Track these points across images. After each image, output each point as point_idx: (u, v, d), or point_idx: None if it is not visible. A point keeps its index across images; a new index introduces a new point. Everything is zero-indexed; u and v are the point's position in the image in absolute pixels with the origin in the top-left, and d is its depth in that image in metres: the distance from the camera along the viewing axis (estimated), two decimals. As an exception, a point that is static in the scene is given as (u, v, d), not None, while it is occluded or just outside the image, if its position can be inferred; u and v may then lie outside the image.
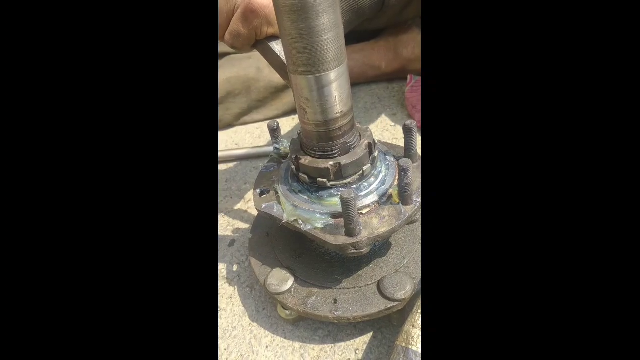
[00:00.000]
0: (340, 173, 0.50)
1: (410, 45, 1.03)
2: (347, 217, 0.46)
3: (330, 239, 0.48)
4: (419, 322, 0.51)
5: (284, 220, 0.51)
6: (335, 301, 0.54)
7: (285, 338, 0.60)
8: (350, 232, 0.48)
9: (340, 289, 0.55)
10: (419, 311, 0.52)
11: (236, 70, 1.01)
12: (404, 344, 0.50)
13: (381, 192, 0.52)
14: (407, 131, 0.55)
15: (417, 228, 0.61)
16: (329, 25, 0.41)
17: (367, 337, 0.58)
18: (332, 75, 0.44)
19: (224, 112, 1.03)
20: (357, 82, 1.07)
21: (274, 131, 0.61)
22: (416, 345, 0.49)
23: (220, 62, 1.03)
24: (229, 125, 1.06)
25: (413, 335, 0.50)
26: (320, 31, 0.41)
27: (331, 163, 0.49)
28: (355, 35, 1.06)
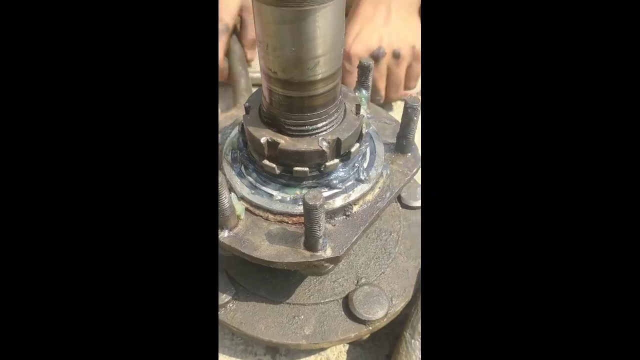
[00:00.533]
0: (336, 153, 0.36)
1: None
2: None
3: (288, 256, 0.35)
4: None
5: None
6: (291, 321, 0.42)
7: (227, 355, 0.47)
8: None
9: (296, 304, 0.43)
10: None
11: None
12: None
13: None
14: (409, 112, 0.41)
15: (377, 233, 0.49)
16: None
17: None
18: (320, 15, 0.28)
19: None
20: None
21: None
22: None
23: None
24: None
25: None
26: None
27: (322, 146, 0.34)
28: None
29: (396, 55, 0.66)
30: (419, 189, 0.53)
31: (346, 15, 0.75)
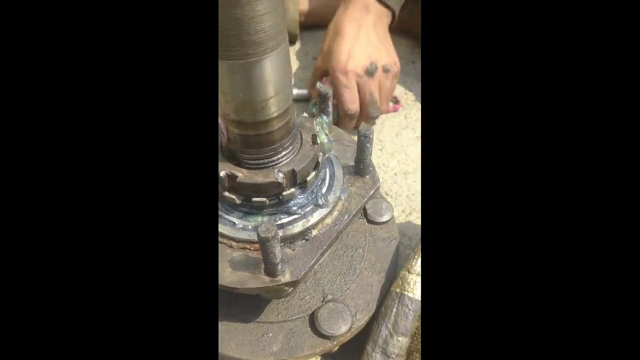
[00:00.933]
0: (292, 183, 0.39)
1: None
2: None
3: (248, 282, 0.37)
4: (415, 267, 0.47)
5: None
6: (260, 340, 0.44)
7: None
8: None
9: (265, 322, 0.45)
10: (415, 256, 0.47)
11: None
12: (398, 290, 0.46)
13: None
14: (362, 139, 0.44)
15: (343, 250, 0.52)
16: (271, 3, 0.27)
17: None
18: (267, 64, 0.31)
19: None
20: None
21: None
22: (412, 292, 0.45)
23: None
24: None
25: (409, 281, 0.46)
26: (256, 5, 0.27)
27: (278, 177, 0.37)
28: None
29: (386, 70, 0.73)
30: (384, 204, 0.56)
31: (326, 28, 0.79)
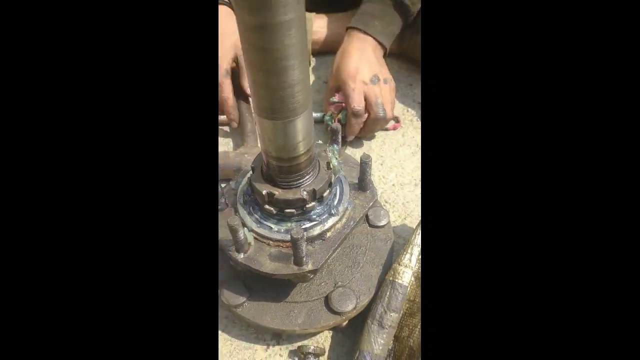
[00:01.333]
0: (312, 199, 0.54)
1: None
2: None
3: (282, 270, 0.52)
4: (404, 261, 0.59)
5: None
6: (288, 315, 0.59)
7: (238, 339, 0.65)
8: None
9: (292, 302, 0.60)
10: (404, 252, 0.60)
11: None
12: (391, 278, 0.59)
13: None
14: (363, 164, 0.58)
15: (350, 248, 0.66)
16: (298, 78, 0.42)
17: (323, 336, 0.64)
18: (298, 122, 0.46)
19: None
20: (330, 50, 1.10)
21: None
22: (401, 279, 0.59)
23: None
24: None
25: (399, 271, 0.60)
26: (290, 84, 0.42)
27: (304, 194, 0.52)
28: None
29: (385, 82, 0.88)
30: (382, 212, 0.70)
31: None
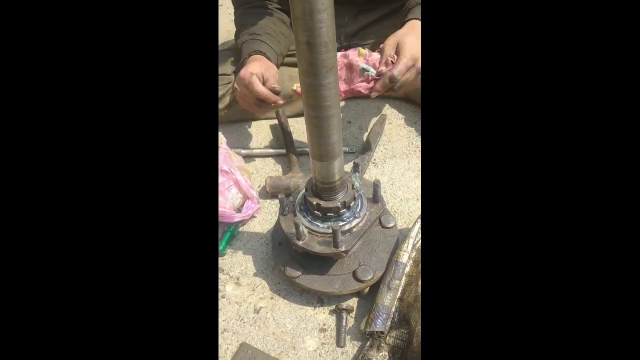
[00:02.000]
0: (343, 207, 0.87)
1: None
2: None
3: (326, 250, 0.86)
4: (403, 247, 0.85)
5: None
6: (329, 282, 0.92)
7: (297, 304, 0.98)
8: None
9: (331, 275, 0.93)
10: (404, 244, 0.87)
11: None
12: (395, 259, 0.87)
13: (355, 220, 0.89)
14: (375, 186, 0.92)
15: (369, 241, 0.97)
16: (337, 139, 0.76)
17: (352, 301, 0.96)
18: (335, 162, 0.80)
19: (236, 111, 1.27)
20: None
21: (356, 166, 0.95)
22: (402, 260, 0.87)
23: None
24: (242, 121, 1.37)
25: (401, 255, 0.88)
26: (331, 143, 0.76)
27: (338, 204, 0.86)
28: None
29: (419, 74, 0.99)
30: (390, 217, 1.02)
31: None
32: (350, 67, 1.01)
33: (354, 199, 0.89)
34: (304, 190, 0.91)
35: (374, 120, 1.42)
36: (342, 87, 1.02)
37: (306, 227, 0.89)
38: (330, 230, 0.84)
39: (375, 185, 0.91)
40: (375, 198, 0.94)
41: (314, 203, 0.86)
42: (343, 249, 0.85)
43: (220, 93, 1.24)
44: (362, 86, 0.99)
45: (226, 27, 1.83)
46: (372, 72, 0.95)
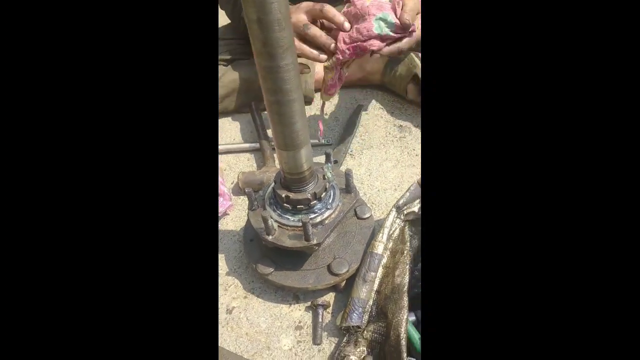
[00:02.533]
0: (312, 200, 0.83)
1: (371, 63, 1.34)
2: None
3: (297, 244, 0.82)
4: (377, 238, 0.81)
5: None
6: (303, 278, 0.88)
7: (271, 302, 0.94)
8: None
9: (304, 269, 0.89)
10: (380, 233, 0.83)
11: (244, 71, 1.30)
12: (370, 250, 0.83)
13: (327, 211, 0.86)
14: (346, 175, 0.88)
15: (344, 233, 0.94)
16: (301, 125, 0.72)
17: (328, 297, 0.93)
18: (302, 151, 0.76)
19: (229, 103, 1.31)
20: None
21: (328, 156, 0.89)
22: (376, 250, 0.83)
23: (227, 67, 1.33)
24: (233, 112, 1.37)
25: (376, 245, 0.83)
26: (295, 130, 0.72)
27: (308, 196, 0.82)
28: None
29: None
30: (366, 208, 0.99)
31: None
32: (357, 16, 0.81)
33: (325, 189, 0.85)
34: (273, 184, 0.87)
35: (350, 111, 1.38)
36: (347, 42, 0.82)
37: (276, 221, 0.85)
38: (301, 224, 0.80)
39: (347, 175, 0.87)
40: (348, 188, 0.90)
41: (283, 196, 0.82)
42: (315, 242, 0.81)
43: None
44: (375, 44, 0.80)
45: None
46: (392, 20, 0.74)
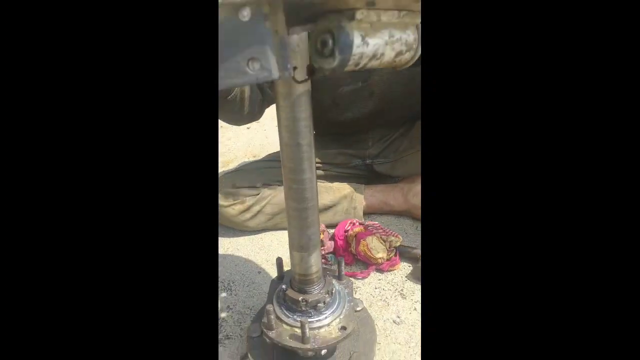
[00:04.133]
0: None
1: (418, 196, 1.41)
2: (303, 334, 0.83)
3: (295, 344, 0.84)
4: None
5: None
6: None
7: None
8: (304, 342, 0.83)
9: None
10: None
11: None
12: None
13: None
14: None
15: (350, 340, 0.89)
16: (314, 231, 0.81)
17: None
18: (313, 255, 0.83)
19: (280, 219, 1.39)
20: (375, 212, 1.47)
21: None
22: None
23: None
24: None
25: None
26: (309, 235, 0.81)
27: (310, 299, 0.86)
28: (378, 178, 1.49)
29: None
30: (358, 301, 0.97)
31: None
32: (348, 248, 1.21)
33: (331, 294, 0.90)
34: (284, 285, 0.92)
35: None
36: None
37: (278, 317, 0.89)
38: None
39: (339, 262, 0.94)
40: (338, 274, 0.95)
41: (301, 299, 0.82)
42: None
43: (250, 202, 1.34)
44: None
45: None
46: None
